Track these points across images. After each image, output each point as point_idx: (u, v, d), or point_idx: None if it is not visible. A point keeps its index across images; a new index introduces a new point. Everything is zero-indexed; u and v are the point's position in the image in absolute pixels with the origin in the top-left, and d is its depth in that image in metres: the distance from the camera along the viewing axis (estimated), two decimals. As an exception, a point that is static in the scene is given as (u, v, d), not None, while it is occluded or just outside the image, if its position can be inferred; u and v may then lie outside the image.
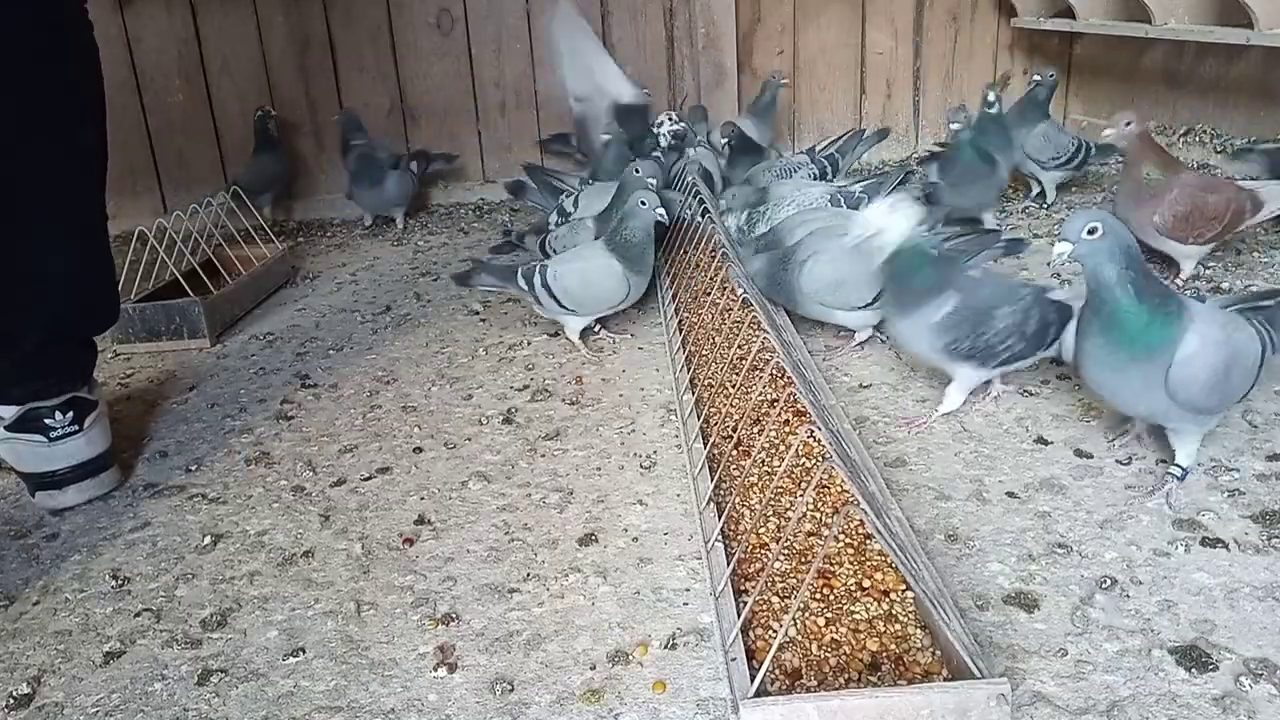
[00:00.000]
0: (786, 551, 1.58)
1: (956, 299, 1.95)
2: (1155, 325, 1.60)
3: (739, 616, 1.35)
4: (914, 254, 1.96)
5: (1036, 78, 3.62)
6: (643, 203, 2.51)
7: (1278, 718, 1.23)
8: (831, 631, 1.39)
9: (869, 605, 1.44)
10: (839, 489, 1.75)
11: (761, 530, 1.65)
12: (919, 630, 1.38)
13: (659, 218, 2.53)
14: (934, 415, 2.06)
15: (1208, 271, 2.78)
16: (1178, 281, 2.70)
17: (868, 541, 1.58)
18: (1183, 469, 1.71)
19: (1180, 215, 2.54)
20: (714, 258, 2.50)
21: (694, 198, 3.02)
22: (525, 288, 2.58)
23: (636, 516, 1.80)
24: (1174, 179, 2.57)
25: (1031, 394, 2.15)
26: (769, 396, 2.12)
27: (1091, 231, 1.61)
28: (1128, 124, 2.54)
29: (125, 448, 2.26)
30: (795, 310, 2.53)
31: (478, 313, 3.05)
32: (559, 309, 2.58)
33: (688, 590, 1.56)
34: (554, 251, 2.95)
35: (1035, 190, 3.67)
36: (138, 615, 1.61)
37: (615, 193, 2.87)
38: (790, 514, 1.68)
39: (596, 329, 2.70)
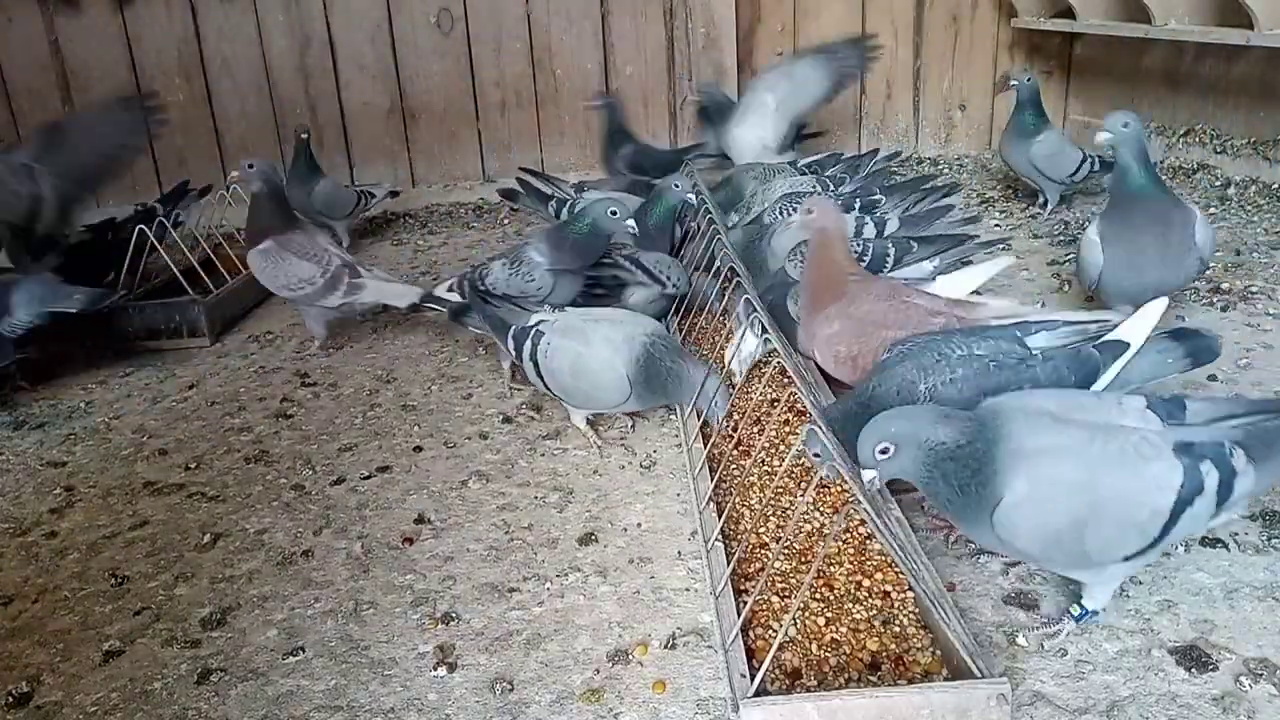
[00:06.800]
0: (786, 551, 1.58)
1: None
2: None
3: (739, 616, 1.35)
4: None
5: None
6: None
7: (1278, 718, 1.23)
8: (831, 631, 1.39)
9: (869, 605, 1.44)
10: (839, 489, 1.75)
11: (761, 530, 1.65)
12: (919, 630, 1.38)
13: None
14: None
15: (1209, 271, 2.70)
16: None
17: (868, 541, 1.58)
18: (1084, 609, 1.38)
19: (843, 357, 1.86)
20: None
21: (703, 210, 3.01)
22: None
23: (636, 516, 1.80)
24: (838, 303, 1.87)
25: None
26: (769, 396, 2.12)
27: None
28: (809, 211, 1.90)
29: (125, 445, 2.26)
30: None
31: (477, 312, 3.05)
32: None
33: (688, 590, 1.56)
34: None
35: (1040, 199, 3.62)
36: (137, 614, 1.60)
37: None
38: (790, 514, 1.68)
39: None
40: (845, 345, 1.85)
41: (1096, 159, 3.36)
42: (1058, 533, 1.28)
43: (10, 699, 1.42)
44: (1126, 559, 1.32)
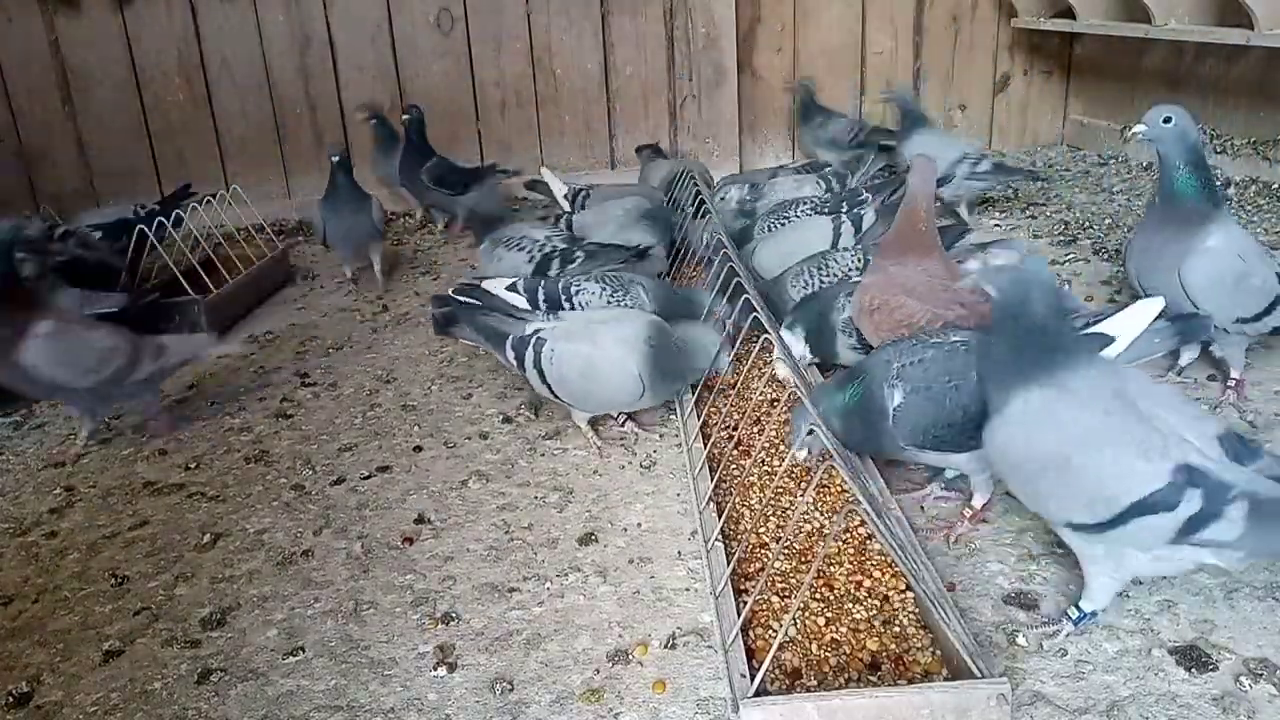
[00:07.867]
0: (786, 551, 1.58)
1: None
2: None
3: (739, 616, 1.35)
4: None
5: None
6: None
7: (1278, 718, 1.23)
8: (831, 631, 1.39)
9: (869, 605, 1.44)
10: (839, 489, 1.75)
11: (761, 530, 1.65)
12: (919, 630, 1.38)
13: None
14: None
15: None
16: None
17: (868, 541, 1.58)
18: (1082, 611, 1.37)
19: (865, 306, 1.94)
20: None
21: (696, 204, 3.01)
22: None
23: (636, 516, 1.79)
24: (891, 258, 1.96)
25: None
26: (769, 396, 2.12)
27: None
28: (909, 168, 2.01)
29: (125, 445, 2.26)
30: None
31: (477, 312, 3.04)
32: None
33: (688, 590, 1.56)
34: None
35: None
36: (137, 614, 1.60)
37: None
38: (790, 514, 1.68)
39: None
40: (870, 297, 1.93)
41: (978, 160, 3.31)
42: (1021, 462, 1.33)
43: (10, 699, 1.42)
44: (1073, 528, 1.32)
